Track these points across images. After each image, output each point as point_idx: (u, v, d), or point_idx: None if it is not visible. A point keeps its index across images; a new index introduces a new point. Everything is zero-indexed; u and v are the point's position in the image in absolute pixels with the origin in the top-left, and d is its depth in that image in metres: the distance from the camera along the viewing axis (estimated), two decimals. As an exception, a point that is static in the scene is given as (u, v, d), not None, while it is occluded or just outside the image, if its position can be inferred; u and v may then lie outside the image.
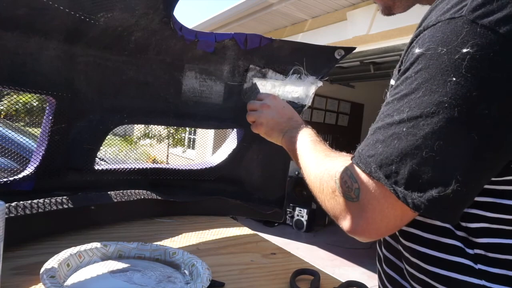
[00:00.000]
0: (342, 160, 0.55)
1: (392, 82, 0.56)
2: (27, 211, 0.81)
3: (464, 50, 0.40)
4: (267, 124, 0.88)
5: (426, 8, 0.60)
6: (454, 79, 0.41)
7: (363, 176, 0.47)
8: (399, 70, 0.50)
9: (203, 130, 5.34)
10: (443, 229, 0.52)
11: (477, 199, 0.48)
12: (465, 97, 0.40)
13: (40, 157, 0.90)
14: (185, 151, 6.17)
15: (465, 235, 0.50)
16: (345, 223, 0.50)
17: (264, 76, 1.17)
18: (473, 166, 0.42)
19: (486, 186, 0.47)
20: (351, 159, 0.51)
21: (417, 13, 0.68)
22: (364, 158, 0.47)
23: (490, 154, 0.42)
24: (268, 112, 0.89)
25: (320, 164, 0.61)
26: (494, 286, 0.47)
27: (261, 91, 1.17)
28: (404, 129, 0.43)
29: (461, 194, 0.42)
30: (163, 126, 4.64)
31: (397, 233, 0.59)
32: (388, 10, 0.67)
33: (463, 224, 0.50)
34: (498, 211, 0.48)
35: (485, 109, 0.40)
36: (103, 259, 0.77)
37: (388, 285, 0.62)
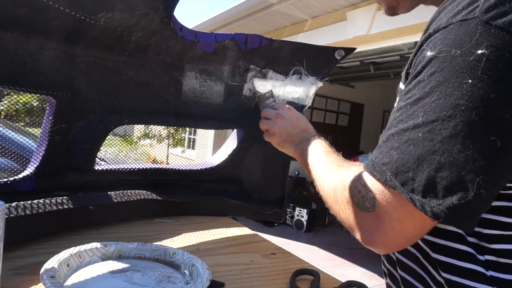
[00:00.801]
0: (356, 169, 0.53)
1: (401, 85, 0.54)
2: (27, 211, 0.81)
3: (479, 52, 0.39)
4: (280, 135, 0.87)
5: (429, 8, 0.60)
6: (470, 81, 0.40)
7: (378, 185, 0.46)
8: (407, 73, 0.49)
9: (203, 130, 5.34)
10: (454, 234, 0.51)
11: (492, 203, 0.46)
12: (482, 99, 0.39)
13: (40, 157, 0.90)
14: (184, 151, 6.17)
15: (476, 241, 0.50)
16: (362, 235, 0.48)
17: (264, 76, 1.17)
18: (493, 170, 0.40)
19: (501, 191, 0.46)
20: (364, 167, 0.49)
21: (418, 13, 0.67)
22: (379, 166, 0.45)
23: (510, 157, 0.41)
24: (282, 123, 0.88)
25: (333, 175, 0.60)
26: None
27: (261, 91, 1.17)
28: (420, 135, 0.42)
29: (481, 199, 0.40)
30: (163, 126, 4.64)
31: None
32: (392, 11, 0.66)
33: (476, 229, 0.49)
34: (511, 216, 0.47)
35: (503, 110, 0.39)
36: (103, 259, 0.77)
37: None
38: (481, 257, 0.49)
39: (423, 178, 0.41)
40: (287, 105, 0.94)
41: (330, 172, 0.62)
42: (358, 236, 0.49)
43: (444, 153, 0.40)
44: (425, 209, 0.41)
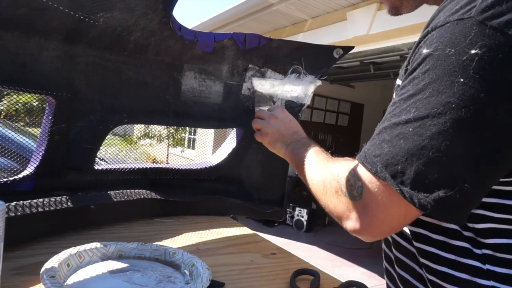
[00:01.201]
0: (345, 162, 0.55)
1: (399, 82, 0.55)
2: (27, 211, 0.81)
3: (473, 51, 0.40)
4: (272, 135, 0.89)
5: (431, 8, 0.60)
6: (461, 80, 0.40)
7: (368, 175, 0.47)
8: (405, 70, 0.50)
9: (203, 130, 5.34)
10: (451, 230, 0.52)
11: (483, 200, 0.48)
12: (473, 98, 0.40)
13: (40, 157, 0.90)
14: (184, 151, 6.17)
15: (472, 236, 0.50)
16: (349, 223, 0.50)
17: (263, 75, 1.17)
18: (480, 167, 0.42)
19: (493, 187, 0.46)
20: (356, 158, 0.51)
21: (418, 13, 0.67)
22: (370, 157, 0.47)
23: (497, 155, 0.42)
24: (275, 123, 0.90)
25: (322, 168, 0.62)
26: (502, 287, 0.47)
27: (259, 90, 1.17)
28: (411, 129, 0.43)
29: (468, 194, 0.41)
30: (163, 126, 4.64)
31: (409, 233, 0.59)
32: (396, 10, 0.67)
33: (470, 225, 0.50)
34: (504, 212, 0.48)
35: (492, 110, 0.40)
36: (103, 259, 0.77)
37: (401, 286, 0.61)
38: (478, 251, 0.50)
39: (411, 171, 0.43)
40: (280, 107, 0.96)
41: (320, 166, 0.64)
42: (345, 224, 0.51)
43: (433, 148, 0.42)
44: (413, 200, 0.43)
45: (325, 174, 0.58)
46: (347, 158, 0.60)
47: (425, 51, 0.44)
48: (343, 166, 0.53)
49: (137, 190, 1.06)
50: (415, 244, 0.57)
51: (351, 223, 0.49)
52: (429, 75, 0.43)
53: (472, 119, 0.40)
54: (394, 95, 0.54)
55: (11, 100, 0.96)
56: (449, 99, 0.41)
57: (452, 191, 0.41)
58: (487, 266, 0.49)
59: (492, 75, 0.40)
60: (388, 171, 0.44)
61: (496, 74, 0.40)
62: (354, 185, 0.49)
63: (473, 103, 0.40)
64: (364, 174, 0.48)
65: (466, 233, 0.51)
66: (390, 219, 0.46)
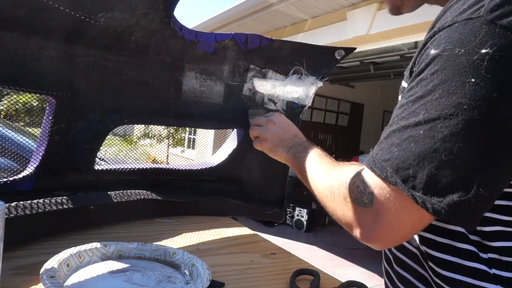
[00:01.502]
0: (352, 167, 0.53)
1: (404, 84, 0.54)
2: (27, 211, 0.81)
3: (483, 51, 0.39)
4: (272, 140, 0.88)
5: (432, 8, 0.60)
6: (473, 80, 0.40)
7: (377, 181, 0.46)
8: (411, 72, 0.49)
9: (203, 130, 5.34)
10: (456, 233, 0.51)
11: None
12: (485, 98, 0.39)
13: (40, 157, 0.90)
14: (184, 151, 6.17)
15: (478, 239, 0.50)
16: (359, 231, 0.48)
17: (264, 76, 1.17)
18: (494, 169, 0.41)
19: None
20: (364, 163, 0.49)
21: (418, 13, 0.67)
22: (379, 162, 0.45)
23: (511, 157, 0.41)
24: (274, 128, 0.89)
25: (329, 174, 0.60)
26: None
27: (261, 91, 1.17)
28: (421, 132, 0.42)
29: (482, 197, 0.40)
30: (163, 126, 4.64)
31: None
32: (397, 10, 0.66)
33: (478, 228, 0.49)
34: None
35: (505, 110, 0.39)
36: (103, 259, 0.77)
37: (400, 285, 0.61)
38: (484, 255, 0.49)
39: (423, 175, 0.41)
40: (277, 112, 0.96)
41: (326, 171, 0.62)
42: (355, 232, 0.49)
43: (445, 151, 0.40)
44: (426, 206, 0.41)
45: (332, 179, 0.56)
46: (353, 162, 0.58)
47: (433, 51, 0.43)
48: (351, 171, 0.51)
49: (137, 191, 1.06)
50: (421, 247, 0.56)
51: (362, 231, 0.47)
52: (438, 76, 0.42)
53: (485, 119, 0.39)
54: (399, 97, 0.53)
55: (11, 100, 0.96)
56: (460, 100, 0.40)
57: (466, 194, 0.40)
58: (494, 270, 0.48)
59: (504, 75, 0.39)
60: (399, 176, 0.43)
61: (508, 73, 0.39)
62: (363, 192, 0.47)
63: (486, 103, 0.39)
64: (374, 179, 0.46)
65: (472, 237, 0.50)
66: (403, 226, 0.45)
